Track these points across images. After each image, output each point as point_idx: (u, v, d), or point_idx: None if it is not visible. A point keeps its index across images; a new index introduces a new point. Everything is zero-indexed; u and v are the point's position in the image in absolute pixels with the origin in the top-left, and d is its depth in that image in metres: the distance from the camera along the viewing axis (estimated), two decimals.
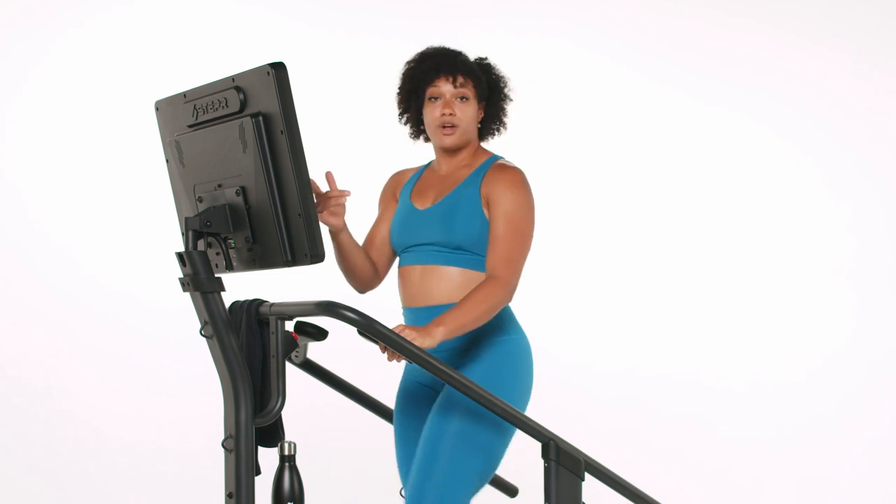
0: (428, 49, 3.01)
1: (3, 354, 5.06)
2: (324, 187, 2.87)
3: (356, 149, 5.06)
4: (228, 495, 2.56)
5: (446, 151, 3.01)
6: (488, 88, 3.00)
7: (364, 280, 3.07)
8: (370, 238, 3.14)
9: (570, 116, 5.33)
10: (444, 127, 2.95)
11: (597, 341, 5.27)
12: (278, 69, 2.48)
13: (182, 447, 5.03)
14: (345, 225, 2.94)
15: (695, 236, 5.31)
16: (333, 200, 2.86)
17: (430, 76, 2.95)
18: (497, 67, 3.05)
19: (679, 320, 5.29)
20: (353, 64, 5.22)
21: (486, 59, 3.04)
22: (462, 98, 2.95)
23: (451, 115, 2.94)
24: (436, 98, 2.96)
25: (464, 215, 2.91)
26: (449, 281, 2.92)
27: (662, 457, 5.15)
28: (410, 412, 3.04)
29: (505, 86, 3.04)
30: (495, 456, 2.90)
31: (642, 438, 5.19)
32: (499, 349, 2.93)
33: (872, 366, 5.26)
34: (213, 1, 5.26)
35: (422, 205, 3.01)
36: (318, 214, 2.82)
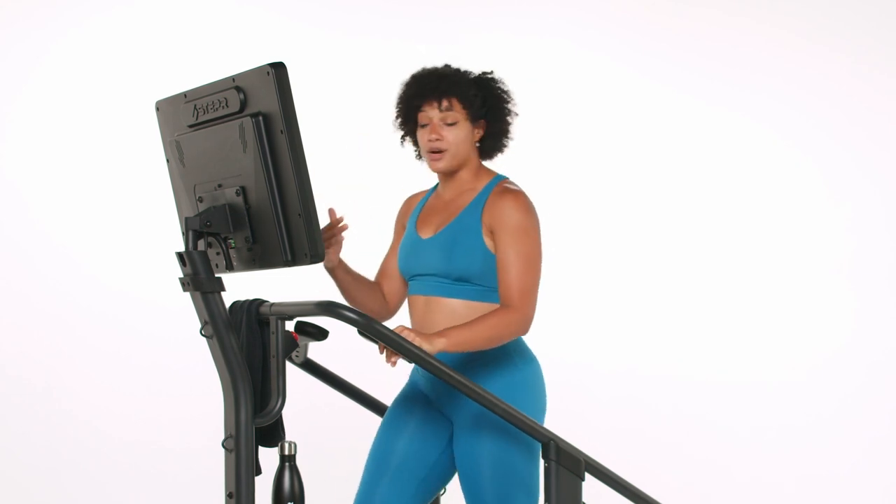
0: (418, 72, 2.96)
1: (3, 354, 5.06)
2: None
3: (356, 149, 5.06)
4: (228, 495, 2.56)
5: (446, 176, 2.98)
6: (485, 106, 2.93)
7: (373, 311, 3.05)
8: (384, 268, 3.12)
9: (569, 117, 5.32)
10: (431, 153, 2.92)
11: (597, 341, 5.27)
12: (278, 69, 2.48)
13: (182, 447, 5.03)
14: (339, 261, 2.94)
15: (695, 236, 5.30)
16: (329, 232, 2.88)
17: (418, 102, 2.92)
18: (500, 82, 2.97)
19: (679, 320, 5.29)
20: (353, 64, 5.21)
21: (489, 73, 2.98)
22: (449, 123, 2.90)
23: (437, 139, 2.90)
24: (425, 124, 2.93)
25: (464, 246, 2.87)
26: (451, 313, 2.89)
27: (662, 457, 5.15)
28: (403, 408, 3.02)
29: (507, 102, 2.97)
30: (535, 485, 2.90)
31: (642, 438, 5.19)
32: (507, 375, 2.90)
33: (872, 366, 5.26)
34: (213, 1, 5.26)
35: (425, 234, 2.97)
36: None
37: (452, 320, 2.87)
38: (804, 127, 5.33)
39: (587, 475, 2.81)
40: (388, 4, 5.31)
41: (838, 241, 5.30)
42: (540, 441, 2.77)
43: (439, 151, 2.91)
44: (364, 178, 4.95)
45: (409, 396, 3.04)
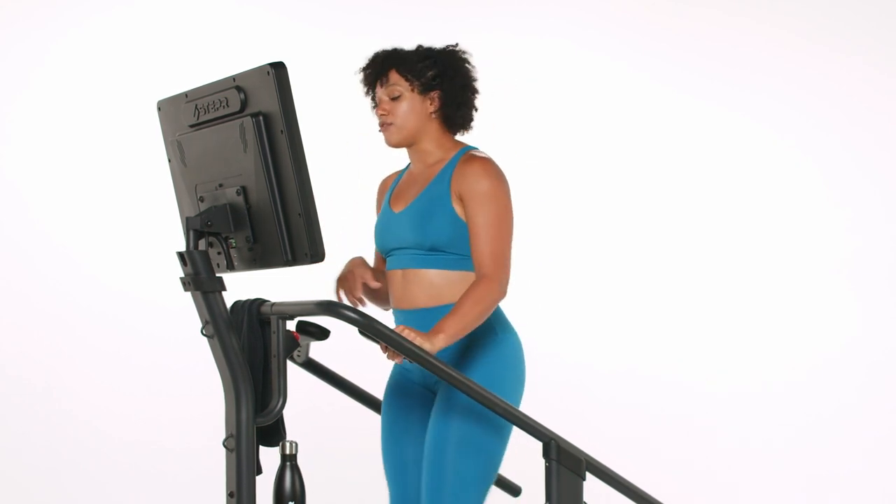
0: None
1: (3, 354, 5.06)
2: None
3: (356, 149, 5.05)
4: (229, 495, 2.56)
5: (406, 147, 3.00)
6: (437, 77, 2.92)
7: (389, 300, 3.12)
8: (378, 253, 3.16)
9: (569, 116, 5.32)
10: (381, 127, 2.97)
11: (597, 341, 5.27)
12: (278, 69, 2.48)
13: (182, 447, 5.03)
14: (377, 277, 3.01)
15: (695, 236, 5.30)
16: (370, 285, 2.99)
17: (365, 85, 2.99)
18: (458, 53, 2.97)
19: (679, 321, 5.29)
20: (353, 64, 5.20)
21: (452, 46, 2.97)
22: (394, 97, 2.93)
23: (382, 114, 2.95)
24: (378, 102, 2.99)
25: (434, 216, 2.89)
26: (429, 284, 2.91)
27: (662, 456, 5.15)
28: (400, 406, 3.04)
29: (463, 73, 2.95)
30: (496, 460, 2.91)
31: (643, 438, 5.19)
32: (493, 350, 2.92)
33: (873, 366, 5.26)
34: (213, 1, 5.27)
35: (397, 208, 3.00)
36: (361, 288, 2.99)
37: (430, 291, 2.90)
38: (804, 127, 5.33)
39: (588, 475, 2.81)
40: (388, 4, 5.31)
41: (839, 242, 5.30)
42: (540, 440, 2.77)
43: (387, 125, 2.95)
44: (364, 178, 4.94)
45: (401, 391, 3.05)
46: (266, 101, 2.51)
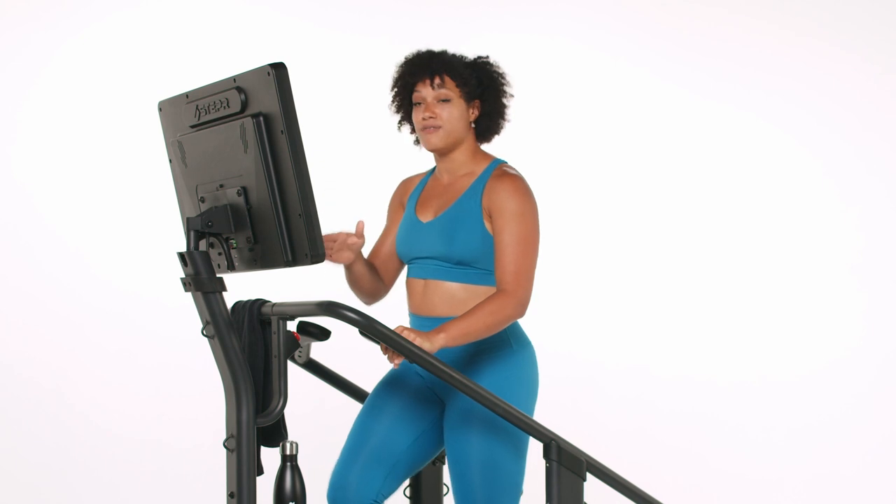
0: (410, 53, 2.98)
1: (11, 354, 5.08)
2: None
3: (356, 149, 5.06)
4: (230, 495, 2.57)
5: (440, 155, 2.98)
6: (480, 86, 2.95)
7: (374, 294, 3.09)
8: (376, 249, 3.13)
9: (574, 115, 5.32)
10: (426, 129, 2.93)
11: (602, 340, 5.26)
12: (278, 69, 2.48)
13: (184, 446, 5.03)
14: (358, 256, 2.96)
15: (703, 235, 5.29)
16: (351, 242, 2.90)
17: (412, 81, 2.94)
18: (494, 65, 2.98)
19: (686, 320, 5.28)
20: (353, 64, 5.22)
21: (485, 57, 2.99)
22: (443, 100, 2.92)
23: (430, 117, 2.91)
24: (419, 103, 2.94)
25: (464, 230, 2.88)
26: (451, 296, 2.91)
27: (667, 456, 5.14)
28: (391, 387, 3.03)
29: (503, 83, 2.98)
30: (519, 482, 2.91)
31: (651, 437, 5.18)
32: (505, 361, 2.91)
33: (882, 365, 5.24)
34: (214, 1, 5.27)
35: (425, 217, 2.99)
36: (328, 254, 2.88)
37: (451, 303, 2.90)
38: (814, 127, 5.30)
39: (589, 475, 2.81)
40: (388, 4, 5.31)
41: (848, 242, 5.29)
42: (541, 441, 2.77)
43: (435, 128, 2.92)
44: (364, 178, 4.95)
45: (396, 379, 3.04)
46: (266, 101, 2.51)
